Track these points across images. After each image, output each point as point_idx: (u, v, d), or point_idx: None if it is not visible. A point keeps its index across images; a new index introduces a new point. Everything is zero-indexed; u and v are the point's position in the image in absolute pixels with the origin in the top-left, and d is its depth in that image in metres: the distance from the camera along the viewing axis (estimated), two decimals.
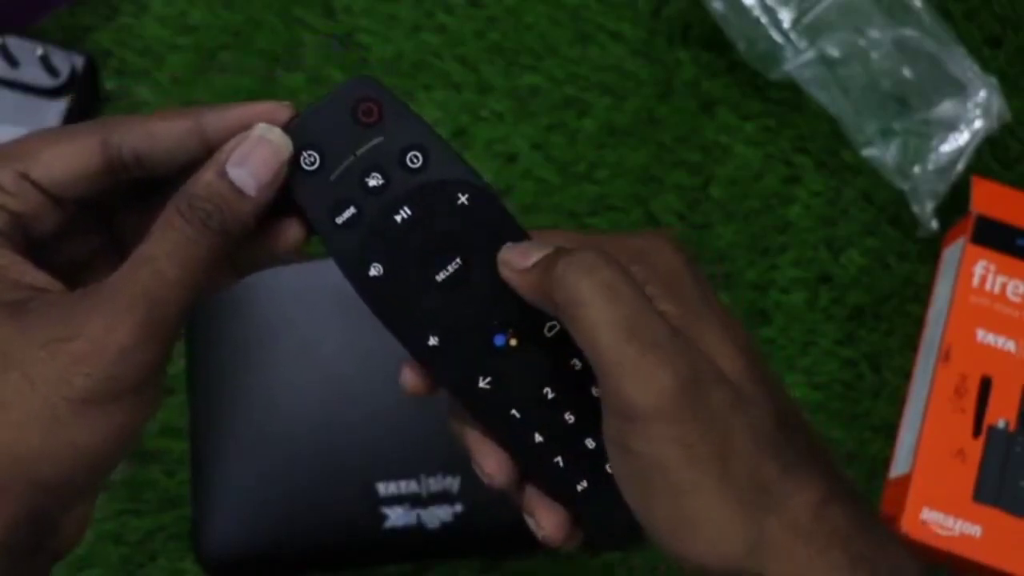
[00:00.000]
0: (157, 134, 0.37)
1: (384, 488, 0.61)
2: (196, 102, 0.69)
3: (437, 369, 0.40)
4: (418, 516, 0.61)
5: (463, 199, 0.39)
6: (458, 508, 0.61)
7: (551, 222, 0.68)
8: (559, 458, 0.40)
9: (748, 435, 0.37)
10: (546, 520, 0.41)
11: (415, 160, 0.39)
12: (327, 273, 0.62)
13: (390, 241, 0.39)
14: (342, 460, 0.61)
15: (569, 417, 0.40)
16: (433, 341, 0.39)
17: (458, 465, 0.61)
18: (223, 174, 0.36)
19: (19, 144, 0.37)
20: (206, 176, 0.36)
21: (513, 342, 0.40)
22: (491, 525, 0.61)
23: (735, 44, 0.68)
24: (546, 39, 0.71)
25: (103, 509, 0.63)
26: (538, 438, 0.40)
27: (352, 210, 0.39)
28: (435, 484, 0.61)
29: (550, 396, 0.40)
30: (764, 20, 0.67)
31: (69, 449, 0.34)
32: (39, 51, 0.65)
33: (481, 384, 0.40)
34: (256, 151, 0.37)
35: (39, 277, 0.36)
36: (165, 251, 0.35)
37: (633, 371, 0.36)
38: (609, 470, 0.39)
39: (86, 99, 0.67)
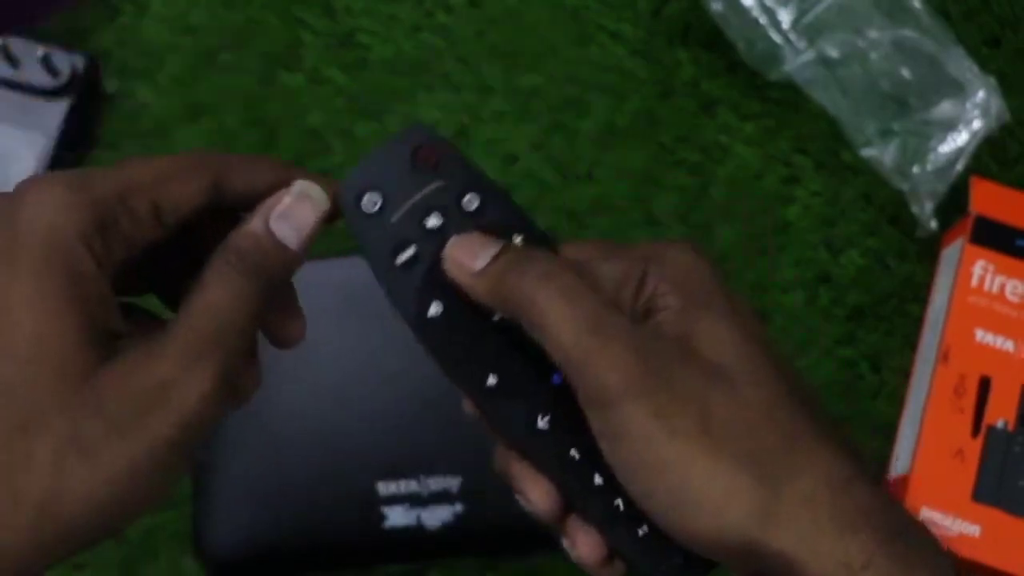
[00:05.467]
0: (260, 181, 0.39)
1: (384, 488, 0.61)
2: (196, 102, 0.69)
3: (495, 410, 0.40)
4: (418, 516, 0.61)
5: (518, 240, 0.40)
6: (458, 508, 0.61)
7: (551, 222, 0.68)
8: (619, 501, 0.39)
9: (732, 407, 0.37)
10: (582, 542, 0.40)
11: (473, 203, 0.40)
12: (328, 273, 0.62)
13: (449, 281, 0.39)
14: (342, 460, 0.61)
15: (605, 457, 0.39)
16: (492, 381, 0.39)
17: (458, 465, 0.61)
18: (268, 228, 0.38)
19: (150, 170, 0.38)
20: (254, 230, 0.38)
21: None
22: (491, 525, 0.61)
23: (734, 44, 0.68)
24: (546, 39, 0.71)
25: None
26: (598, 480, 0.39)
27: (412, 250, 0.39)
28: (435, 484, 0.61)
29: None
30: (763, 21, 0.67)
31: (136, 496, 0.35)
32: (40, 52, 0.65)
33: (540, 424, 0.39)
34: (298, 207, 0.38)
35: (120, 317, 0.37)
36: (227, 301, 0.37)
37: (598, 359, 0.37)
38: None
39: (87, 100, 0.67)
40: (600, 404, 0.37)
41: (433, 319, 0.39)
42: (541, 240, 0.40)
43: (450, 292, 0.39)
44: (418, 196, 0.40)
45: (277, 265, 0.38)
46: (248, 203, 0.39)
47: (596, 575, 0.41)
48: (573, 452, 0.39)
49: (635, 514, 0.39)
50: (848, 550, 0.36)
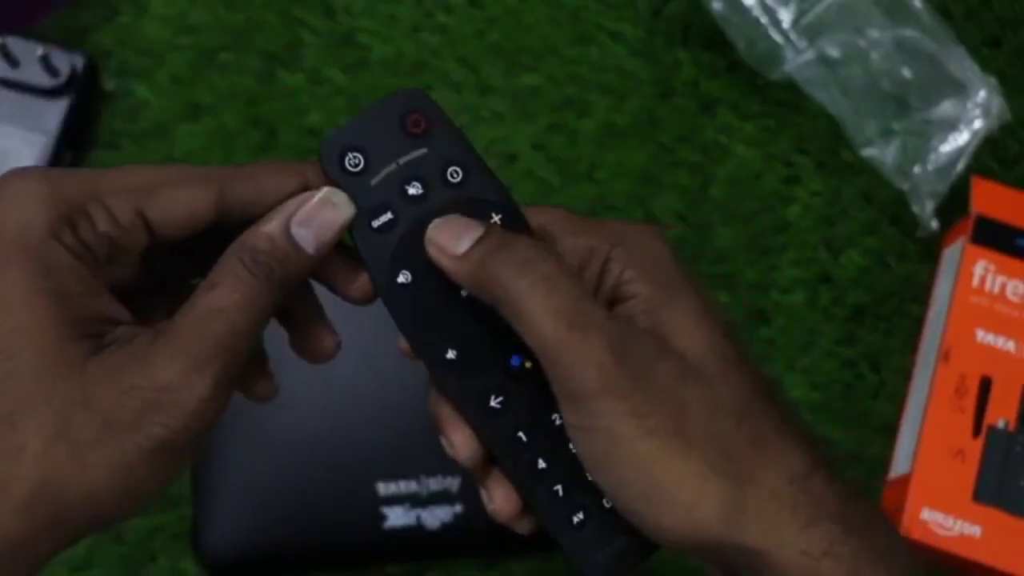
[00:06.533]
0: (268, 192, 0.38)
1: (384, 488, 0.61)
2: (196, 102, 0.69)
3: (451, 383, 0.40)
4: (418, 516, 0.61)
5: (496, 218, 0.40)
6: (458, 508, 0.61)
7: None
8: (559, 487, 0.40)
9: (705, 406, 0.37)
10: (498, 495, 0.41)
11: (455, 175, 0.40)
12: None
13: (422, 250, 0.39)
14: (342, 460, 0.61)
15: (574, 446, 0.40)
16: (451, 355, 0.40)
17: (458, 465, 0.61)
18: (287, 231, 0.37)
19: (139, 177, 0.37)
20: (271, 231, 0.37)
21: (528, 364, 0.40)
22: (491, 525, 0.60)
23: (735, 44, 0.68)
24: (546, 39, 0.71)
25: None
26: (542, 464, 0.40)
27: (389, 215, 0.39)
28: (435, 484, 0.61)
29: (557, 423, 0.40)
30: (764, 20, 0.67)
31: (132, 492, 0.35)
32: (39, 51, 0.65)
33: (492, 403, 0.40)
34: (321, 213, 0.38)
35: (115, 308, 0.37)
36: (236, 303, 0.36)
37: (574, 354, 0.37)
38: (607, 504, 0.40)
39: (86, 99, 0.67)
40: (575, 397, 0.37)
41: (402, 286, 0.39)
42: (519, 220, 0.40)
43: (421, 263, 0.39)
44: (402, 161, 0.39)
45: (292, 269, 0.37)
46: (256, 213, 0.38)
47: (511, 527, 0.41)
48: (521, 434, 0.40)
49: (573, 501, 0.40)
50: (810, 540, 0.36)
